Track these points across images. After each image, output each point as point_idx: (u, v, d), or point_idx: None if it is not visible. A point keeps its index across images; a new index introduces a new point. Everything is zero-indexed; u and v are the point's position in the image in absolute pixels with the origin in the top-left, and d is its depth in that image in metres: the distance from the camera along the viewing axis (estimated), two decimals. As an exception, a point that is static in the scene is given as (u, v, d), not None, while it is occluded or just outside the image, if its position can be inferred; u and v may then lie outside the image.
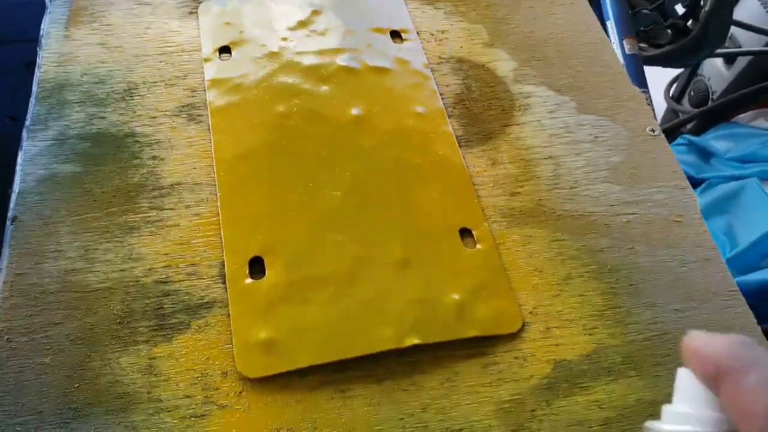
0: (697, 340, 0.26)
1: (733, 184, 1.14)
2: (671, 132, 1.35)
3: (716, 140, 1.26)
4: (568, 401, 0.40)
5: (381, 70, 0.53)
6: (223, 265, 0.43)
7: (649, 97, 1.00)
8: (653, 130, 0.53)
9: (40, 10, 0.59)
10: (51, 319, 0.40)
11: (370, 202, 0.46)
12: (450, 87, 0.54)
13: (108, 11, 0.56)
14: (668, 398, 0.40)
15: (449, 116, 0.52)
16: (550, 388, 0.40)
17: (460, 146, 0.50)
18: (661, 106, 1.49)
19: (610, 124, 0.53)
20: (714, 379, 0.24)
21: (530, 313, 0.43)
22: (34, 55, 0.55)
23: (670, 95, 1.47)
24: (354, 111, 0.51)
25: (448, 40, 0.57)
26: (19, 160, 0.47)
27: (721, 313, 0.44)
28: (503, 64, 0.56)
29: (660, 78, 1.44)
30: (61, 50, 0.53)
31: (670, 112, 1.48)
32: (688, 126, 1.38)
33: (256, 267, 0.43)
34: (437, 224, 0.46)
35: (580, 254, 0.46)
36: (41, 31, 0.55)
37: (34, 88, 0.51)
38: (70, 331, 0.40)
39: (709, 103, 1.36)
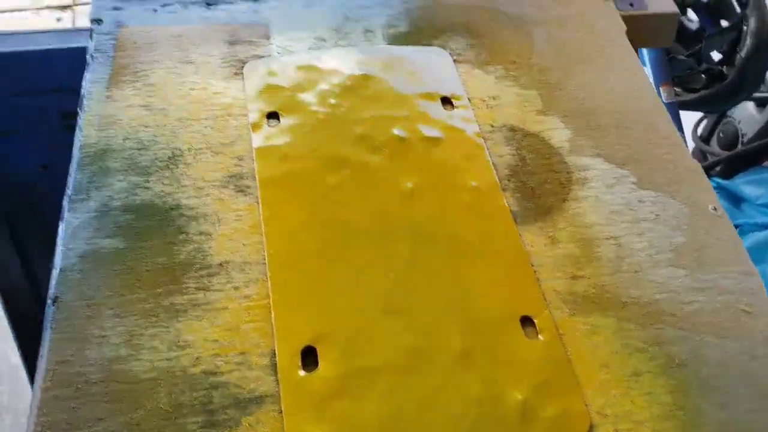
0: None
1: (765, 233, 1.12)
2: (700, 174, 1.33)
3: (747, 185, 1.25)
4: None
5: (433, 140, 0.52)
6: (274, 354, 0.41)
7: (685, 142, 0.98)
8: (715, 209, 0.51)
9: (76, 59, 0.57)
10: (95, 414, 0.38)
11: (425, 284, 0.44)
12: (503, 158, 0.52)
13: (151, 70, 0.55)
14: None
15: (503, 189, 0.50)
16: (621, 498, 0.38)
17: (516, 222, 0.48)
18: (688, 145, 1.47)
19: (671, 201, 0.51)
20: None
21: (597, 413, 0.41)
22: (69, 104, 0.54)
23: (699, 135, 1.45)
24: (406, 184, 0.49)
25: (500, 106, 0.55)
26: (60, 233, 0.45)
27: (798, 415, 0.42)
28: (558, 133, 0.54)
29: (688, 116, 1.42)
30: (102, 112, 0.51)
31: (698, 153, 1.46)
32: (717, 168, 1.36)
33: (309, 357, 0.41)
34: (496, 311, 0.44)
35: (647, 347, 0.43)
36: (82, 91, 0.53)
37: (75, 153, 0.49)
38: (115, 427, 0.38)
39: (739, 145, 1.34)
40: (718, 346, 0.44)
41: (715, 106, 1.14)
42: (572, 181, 0.51)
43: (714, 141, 1.42)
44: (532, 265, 0.46)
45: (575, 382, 0.41)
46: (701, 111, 1.20)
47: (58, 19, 2.02)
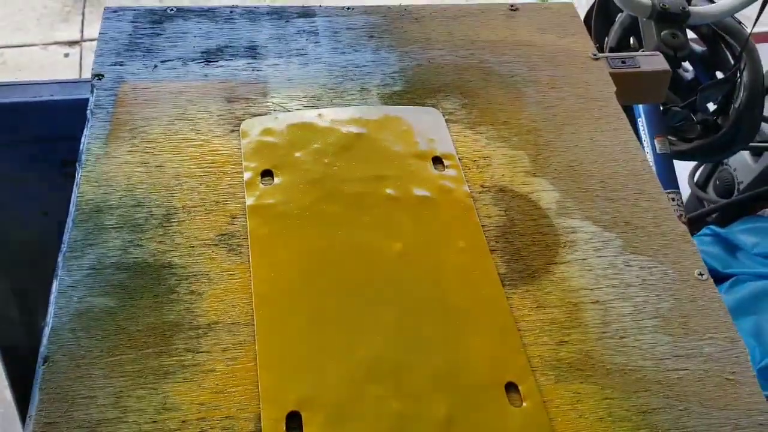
0: None
1: (762, 284, 1.12)
2: (696, 222, 1.34)
3: (742, 234, 1.25)
4: None
5: (423, 200, 0.52)
6: (260, 419, 0.41)
7: (681, 198, 0.99)
8: (701, 274, 0.51)
9: (77, 109, 0.59)
10: (79, 476, 0.38)
11: (412, 348, 0.45)
12: (492, 219, 0.53)
13: (148, 126, 0.56)
14: None
15: (492, 251, 0.51)
16: None
17: (503, 285, 0.49)
18: (684, 192, 1.48)
19: (658, 266, 0.51)
20: None
21: (580, 484, 0.41)
22: (69, 152, 0.55)
23: (695, 181, 1.46)
24: (396, 245, 0.49)
25: (490, 167, 0.56)
26: (54, 290, 0.46)
27: (780, 488, 0.42)
28: (546, 195, 0.55)
29: (683, 163, 1.43)
30: (100, 169, 0.52)
31: (694, 199, 1.46)
32: (713, 215, 1.37)
33: (294, 422, 0.41)
34: (482, 377, 0.44)
35: (631, 415, 0.44)
36: (81, 146, 0.54)
37: (72, 210, 0.50)
38: (98, 491, 0.38)
39: (735, 193, 1.35)
40: (702, 415, 0.44)
41: (711, 156, 1.15)
42: (559, 243, 0.52)
43: (710, 188, 1.42)
44: (519, 330, 0.47)
45: (558, 451, 0.41)
46: (697, 161, 1.21)
47: (66, 55, 2.05)
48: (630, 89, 0.72)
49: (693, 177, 1.46)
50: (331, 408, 0.41)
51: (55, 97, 0.66)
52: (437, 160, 0.56)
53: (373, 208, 0.51)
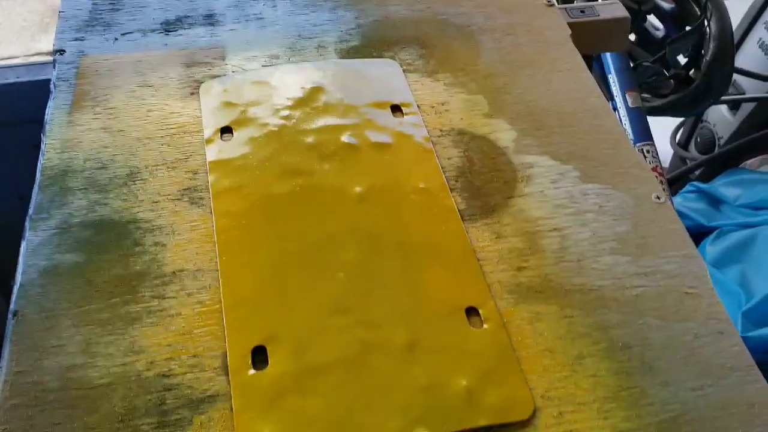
0: None
1: (745, 233, 1.13)
2: (679, 179, 1.35)
3: (725, 187, 1.26)
4: (584, 491, 0.38)
5: (382, 146, 0.53)
6: (226, 356, 0.42)
7: (655, 150, 1.00)
8: (659, 197, 0.52)
9: (45, 92, 0.60)
10: (52, 420, 0.39)
11: (374, 283, 0.46)
12: (452, 160, 0.54)
13: (110, 94, 0.57)
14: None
15: (452, 189, 0.52)
16: (565, 477, 0.39)
17: (463, 220, 0.50)
18: (667, 152, 1.49)
19: (615, 193, 0.52)
20: None
21: (542, 396, 0.42)
22: (39, 136, 0.55)
23: (677, 141, 1.47)
24: (356, 189, 0.50)
25: (449, 112, 0.57)
26: (22, 250, 0.47)
27: (739, 389, 0.43)
28: (504, 135, 0.56)
29: (665, 124, 1.44)
30: (64, 136, 0.53)
31: (677, 159, 1.47)
32: (696, 173, 1.37)
33: (260, 356, 0.42)
34: (443, 304, 0.45)
35: (591, 331, 0.45)
36: (46, 117, 0.55)
37: (38, 176, 0.51)
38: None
39: (716, 149, 1.36)
40: (661, 328, 0.45)
41: (686, 110, 1.16)
42: (517, 178, 0.53)
43: (692, 146, 1.43)
44: (479, 260, 0.48)
45: (518, 367, 0.42)
46: (672, 116, 1.22)
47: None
48: (591, 38, 0.73)
49: (675, 137, 1.47)
50: (295, 340, 0.42)
51: (21, 79, 0.66)
52: (396, 108, 0.57)
53: (332, 156, 0.52)
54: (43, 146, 0.53)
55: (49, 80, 0.60)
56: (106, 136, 0.54)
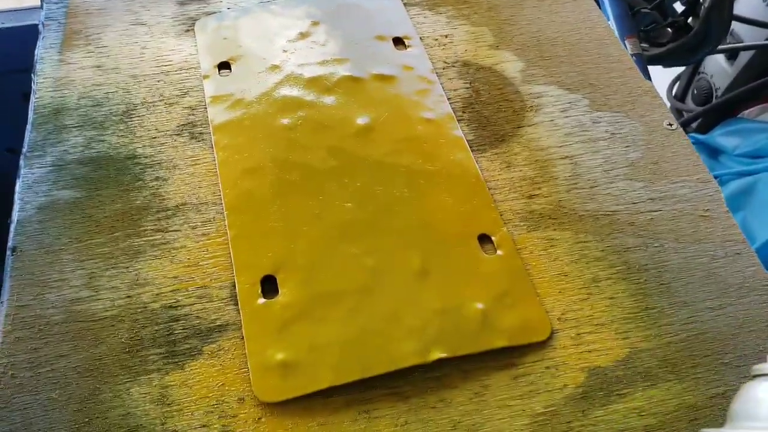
0: None
1: (745, 180, 1.12)
2: (677, 131, 1.34)
3: (723, 137, 1.25)
4: (605, 410, 0.38)
5: (386, 78, 0.52)
6: (234, 286, 0.41)
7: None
8: (671, 124, 0.51)
9: (35, 38, 0.57)
10: (57, 352, 0.38)
11: (384, 212, 0.44)
12: (458, 91, 0.52)
13: (103, 33, 0.55)
14: (711, 400, 0.38)
15: (459, 121, 0.50)
16: (585, 397, 0.38)
17: (472, 150, 0.48)
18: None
19: (626, 120, 0.51)
20: None
21: (558, 319, 0.41)
22: (29, 85, 0.53)
23: (673, 95, 1.46)
24: (361, 120, 0.49)
25: (453, 44, 0.56)
26: (17, 188, 0.45)
27: (758, 308, 0.42)
28: (510, 66, 0.54)
29: (662, 77, 1.43)
30: (56, 75, 0.51)
31: (674, 112, 1.46)
32: (694, 125, 1.36)
33: (269, 286, 0.41)
34: (454, 231, 0.44)
35: (606, 255, 0.44)
36: (35, 57, 0.53)
37: (30, 115, 0.49)
38: (77, 363, 0.38)
39: (713, 100, 1.35)
40: (678, 250, 0.44)
41: (683, 58, 1.14)
42: (526, 108, 0.51)
43: (689, 99, 1.42)
44: (490, 189, 0.47)
45: (533, 290, 0.41)
46: (670, 65, 1.20)
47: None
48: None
49: (671, 90, 1.46)
50: (305, 268, 0.41)
51: (7, 25, 0.64)
52: (398, 41, 0.55)
53: (334, 88, 0.51)
54: (34, 86, 0.51)
55: (36, 25, 0.58)
56: (99, 73, 0.52)
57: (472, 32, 0.57)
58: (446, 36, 0.56)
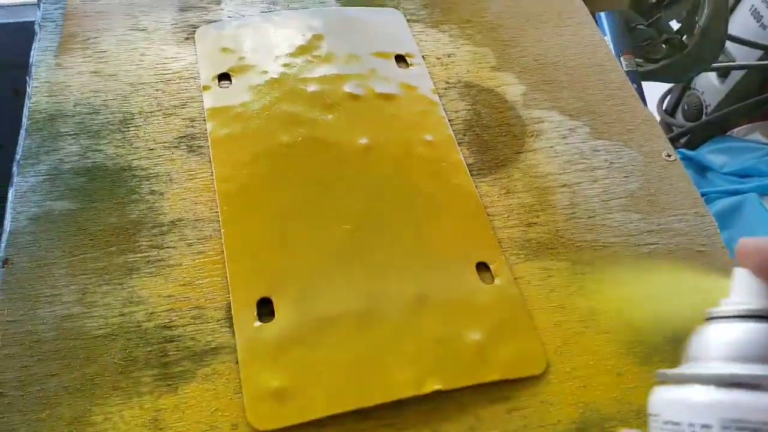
0: (750, 241, 0.28)
1: (732, 200, 1.13)
2: (666, 146, 1.35)
3: (712, 154, 1.26)
4: (598, 447, 0.38)
5: (387, 97, 0.52)
6: (230, 308, 0.40)
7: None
8: (669, 155, 0.51)
9: (27, 35, 0.56)
10: (47, 370, 0.37)
11: (382, 235, 0.44)
12: (459, 113, 0.52)
13: (101, 37, 0.54)
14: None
15: (459, 143, 0.50)
16: (578, 433, 0.38)
17: (472, 175, 0.48)
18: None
19: (625, 149, 0.51)
20: None
21: (555, 352, 0.41)
22: (22, 81, 0.52)
23: (663, 108, 1.47)
24: (361, 140, 0.49)
25: (455, 64, 0.55)
26: (10, 197, 0.44)
27: (750, 347, 0.42)
28: (512, 89, 0.54)
29: (653, 91, 1.44)
30: (52, 79, 0.50)
31: (664, 126, 1.47)
32: (683, 140, 1.37)
33: (265, 308, 0.41)
34: (452, 258, 0.44)
35: (603, 287, 0.44)
36: (31, 59, 0.52)
37: (24, 120, 0.48)
38: (68, 383, 0.37)
39: (703, 116, 1.36)
40: (672, 285, 0.45)
41: (677, 75, 1.15)
42: (527, 133, 0.51)
43: (679, 113, 1.43)
44: (489, 215, 0.46)
45: (531, 322, 0.41)
46: (663, 81, 1.21)
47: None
48: (593, -5, 0.72)
49: (662, 104, 1.47)
50: (301, 291, 0.41)
51: (1, 21, 0.63)
52: (400, 59, 0.55)
53: (335, 106, 0.50)
54: (29, 89, 0.50)
55: (30, 23, 0.57)
56: (97, 80, 0.51)
57: (475, 52, 0.56)
58: (448, 55, 0.56)
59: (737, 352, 0.26)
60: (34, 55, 0.52)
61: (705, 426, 0.24)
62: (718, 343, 0.26)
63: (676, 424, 0.25)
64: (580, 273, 0.44)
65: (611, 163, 0.50)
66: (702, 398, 0.24)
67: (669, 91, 1.47)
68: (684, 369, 0.27)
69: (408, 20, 0.58)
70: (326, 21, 0.56)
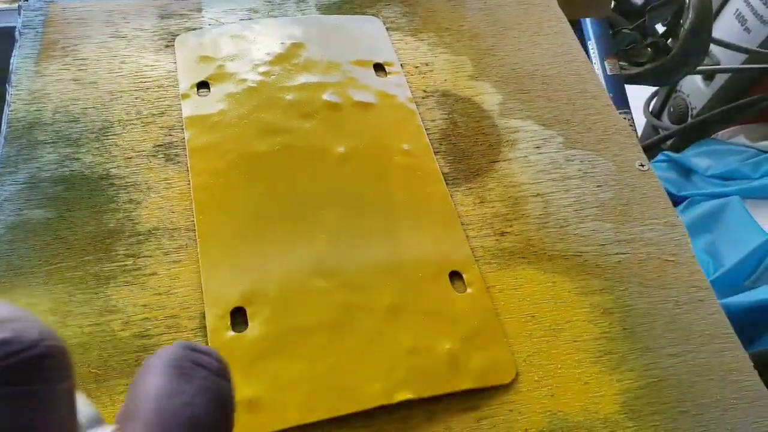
0: None
1: (715, 203, 1.14)
2: (651, 148, 1.36)
3: (697, 157, 1.27)
4: (564, 455, 0.39)
5: (365, 105, 0.52)
6: (204, 317, 0.41)
7: (632, 118, 1.00)
8: (642, 165, 0.52)
9: (7, 42, 0.57)
10: (22, 380, 0.38)
11: (356, 245, 0.45)
12: (436, 122, 0.53)
13: (81, 44, 0.54)
14: (667, 449, 0.39)
15: (436, 152, 0.51)
16: (545, 441, 0.39)
17: (447, 184, 0.49)
18: (640, 121, 1.49)
19: (599, 159, 0.52)
20: None
21: (524, 361, 0.42)
22: (1, 88, 0.53)
23: (650, 111, 1.48)
24: (338, 149, 0.49)
25: (433, 72, 0.56)
26: (-12, 205, 0.45)
27: (718, 356, 0.43)
28: (489, 98, 0.55)
29: (639, 93, 1.45)
30: (31, 87, 0.51)
31: (650, 128, 1.48)
32: (668, 142, 1.38)
33: (239, 318, 0.41)
34: (426, 267, 0.44)
35: (573, 297, 0.45)
36: (11, 67, 0.52)
37: (3, 128, 0.49)
38: (42, 392, 0.38)
39: (689, 119, 1.37)
40: (643, 294, 0.45)
41: (661, 79, 1.16)
42: (502, 142, 0.52)
43: (665, 116, 1.44)
44: (463, 224, 0.47)
45: (502, 332, 0.42)
46: (648, 84, 1.22)
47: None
48: (574, 2, 0.72)
49: (648, 106, 1.48)
50: (276, 302, 0.42)
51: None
52: (379, 67, 0.55)
53: (313, 114, 0.51)
54: (8, 97, 0.51)
55: (10, 28, 0.58)
56: (76, 87, 0.51)
57: (453, 61, 0.57)
58: (426, 64, 0.56)
59: None
60: (14, 62, 0.53)
61: None
62: None
63: None
64: (552, 282, 0.45)
65: (585, 172, 0.51)
66: None
67: (655, 93, 1.48)
68: None
69: (387, 28, 0.58)
70: (306, 29, 0.56)
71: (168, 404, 0.17)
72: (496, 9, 0.61)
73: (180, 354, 0.19)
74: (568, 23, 0.61)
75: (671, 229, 0.49)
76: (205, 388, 0.18)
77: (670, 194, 1.20)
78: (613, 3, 1.15)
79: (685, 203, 1.18)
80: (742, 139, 1.27)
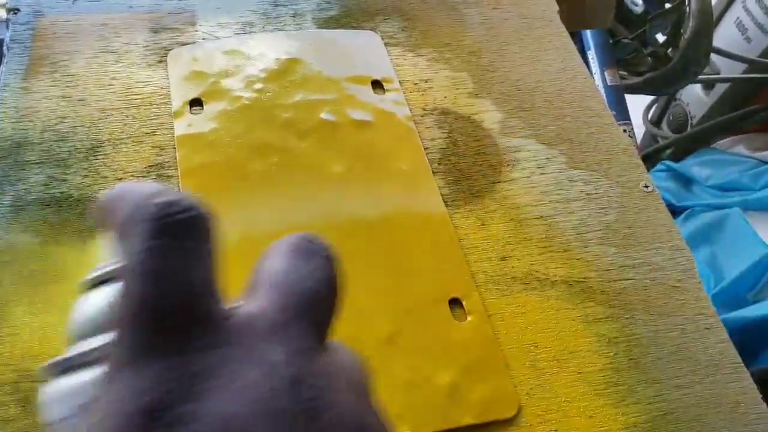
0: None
1: (715, 214, 1.13)
2: (650, 157, 1.35)
3: (696, 167, 1.26)
4: (568, 493, 0.37)
5: (363, 124, 0.51)
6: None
7: (632, 129, 0.99)
8: (647, 186, 0.51)
9: (-3, 52, 0.55)
10: (5, 414, 0.36)
11: (354, 270, 0.43)
12: (435, 141, 0.51)
13: (70, 60, 0.53)
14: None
15: (434, 173, 0.49)
16: (549, 478, 0.38)
17: (446, 206, 0.48)
18: (639, 129, 1.48)
19: (603, 180, 0.51)
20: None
21: (527, 394, 0.40)
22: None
23: (649, 119, 1.47)
24: (335, 169, 0.48)
25: (432, 89, 0.55)
26: (-28, 229, 0.43)
27: (724, 387, 0.42)
28: (489, 116, 0.53)
29: (639, 101, 1.44)
30: (18, 104, 0.49)
31: (649, 136, 1.47)
32: (667, 151, 1.37)
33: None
34: (425, 294, 0.43)
35: (577, 325, 0.43)
36: (-2, 82, 0.51)
37: (-10, 147, 0.47)
38: (26, 428, 0.36)
39: (688, 128, 1.36)
40: (648, 323, 0.44)
41: (661, 88, 1.15)
42: (503, 163, 0.51)
43: (664, 124, 1.43)
44: (463, 248, 0.46)
45: (504, 363, 0.41)
46: (648, 94, 1.21)
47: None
48: (576, 14, 0.71)
49: (647, 115, 1.47)
50: (269, 332, 0.40)
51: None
52: (377, 84, 0.54)
53: (310, 133, 0.49)
54: (-5, 115, 0.49)
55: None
56: (65, 105, 0.50)
57: (453, 78, 0.56)
58: (426, 81, 0.55)
59: (81, 330, 0.21)
60: (2, 78, 0.51)
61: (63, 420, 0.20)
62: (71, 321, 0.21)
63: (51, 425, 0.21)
64: (555, 309, 0.44)
65: (588, 194, 0.50)
66: (54, 391, 0.20)
67: (655, 102, 1.47)
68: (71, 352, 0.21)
69: (386, 43, 0.57)
70: (302, 44, 0.55)
71: (288, 278, 0.20)
72: (497, 24, 0.60)
73: (298, 241, 0.21)
74: (570, 38, 0.60)
75: (678, 253, 0.47)
76: (320, 268, 0.21)
77: (669, 204, 1.19)
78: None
79: (685, 214, 1.16)
80: (742, 148, 1.26)
